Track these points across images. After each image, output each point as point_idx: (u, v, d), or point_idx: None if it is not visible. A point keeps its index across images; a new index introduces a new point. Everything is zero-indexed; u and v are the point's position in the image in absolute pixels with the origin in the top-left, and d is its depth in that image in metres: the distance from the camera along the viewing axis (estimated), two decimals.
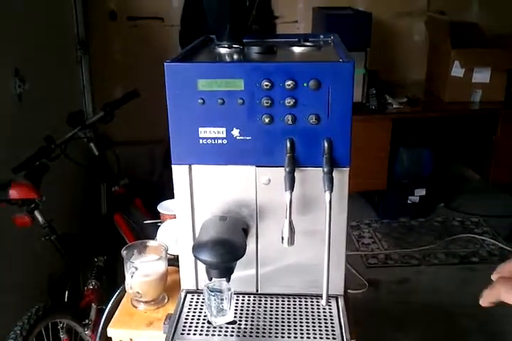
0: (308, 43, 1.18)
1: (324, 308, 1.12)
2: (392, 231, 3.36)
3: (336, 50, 1.14)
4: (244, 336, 1.04)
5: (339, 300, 1.14)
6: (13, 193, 1.56)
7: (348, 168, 1.03)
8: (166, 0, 3.27)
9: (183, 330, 1.06)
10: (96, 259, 2.02)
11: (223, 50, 1.14)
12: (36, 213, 1.70)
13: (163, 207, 1.42)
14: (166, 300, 1.26)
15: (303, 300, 1.15)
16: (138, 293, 1.22)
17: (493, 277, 0.73)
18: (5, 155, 1.96)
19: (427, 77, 3.65)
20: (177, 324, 1.08)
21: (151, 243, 1.27)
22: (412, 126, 3.38)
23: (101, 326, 1.24)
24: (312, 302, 1.14)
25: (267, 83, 0.96)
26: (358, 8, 3.39)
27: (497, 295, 0.69)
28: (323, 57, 1.12)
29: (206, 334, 1.04)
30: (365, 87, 3.11)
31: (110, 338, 1.22)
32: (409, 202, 3.41)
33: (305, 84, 0.96)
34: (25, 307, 1.63)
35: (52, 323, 1.75)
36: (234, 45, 1.13)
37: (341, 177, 1.04)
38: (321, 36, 1.28)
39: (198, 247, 1.01)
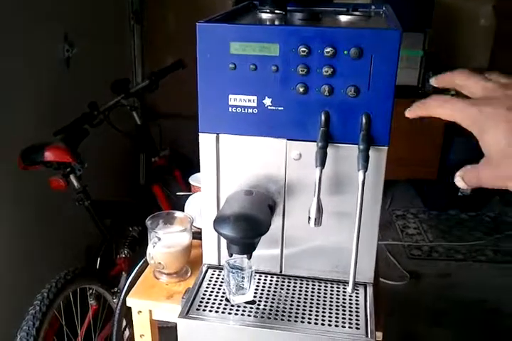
0: (356, 13, 1.10)
1: (351, 296, 1.05)
2: (440, 224, 3.23)
3: (386, 20, 1.05)
4: (262, 317, 0.99)
5: (367, 288, 1.08)
6: (48, 155, 1.56)
7: (386, 147, 0.95)
8: None
9: (199, 306, 1.02)
10: (131, 229, 2.01)
11: (264, 15, 1.07)
12: (72, 177, 1.69)
13: (195, 178, 1.38)
14: (188, 274, 1.22)
15: (329, 285, 1.08)
16: (160, 264, 1.18)
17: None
18: (50, 120, 1.96)
19: (490, 64, 3.45)
20: (194, 299, 1.04)
21: (177, 214, 1.24)
22: None
23: (122, 295, 1.22)
24: (338, 288, 1.08)
25: (303, 49, 0.88)
26: None
27: (428, 108, 0.59)
28: (369, 25, 1.04)
29: (223, 312, 1.00)
30: (422, 70, 2.97)
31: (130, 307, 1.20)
32: (460, 194, 3.26)
33: (345, 52, 0.88)
34: (56, 272, 1.64)
35: (82, 289, 1.76)
36: (276, 11, 1.06)
37: (378, 156, 0.96)
38: (373, 7, 1.19)
39: (219, 221, 0.96)
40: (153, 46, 3.11)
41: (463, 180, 0.57)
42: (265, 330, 0.96)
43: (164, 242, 1.17)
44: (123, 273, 1.89)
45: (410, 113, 0.62)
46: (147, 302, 1.16)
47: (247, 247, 0.98)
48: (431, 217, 3.29)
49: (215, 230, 0.96)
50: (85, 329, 1.77)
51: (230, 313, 1.00)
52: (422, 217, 3.29)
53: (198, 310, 1.01)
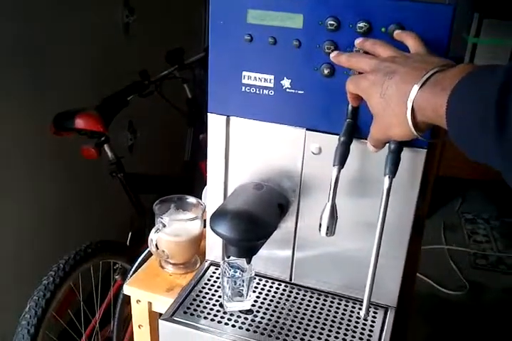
0: None
1: (366, 319, 0.90)
2: None
3: None
4: (255, 332, 0.85)
5: (389, 312, 0.91)
6: (79, 122, 1.48)
7: (425, 150, 0.78)
8: None
9: (188, 308, 0.90)
10: None
11: None
12: (106, 147, 1.61)
13: None
14: (197, 266, 1.11)
15: (343, 302, 0.93)
16: (163, 252, 1.08)
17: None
18: (103, 86, 1.88)
19: None
20: (185, 299, 0.92)
21: (190, 199, 1.12)
22: None
23: (127, 280, 1.13)
24: (353, 308, 0.92)
25: (332, 22, 0.72)
26: None
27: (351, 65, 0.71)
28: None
29: (212, 319, 0.88)
30: None
31: None
32: None
33: (383, 29, 0.71)
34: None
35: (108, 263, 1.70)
36: None
37: (414, 159, 0.79)
38: None
39: (216, 217, 0.83)
40: None
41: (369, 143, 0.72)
42: None
43: (171, 230, 1.06)
44: None
45: (335, 58, 0.72)
46: (144, 293, 1.06)
47: (245, 250, 0.85)
48: (504, 225, 2.99)
49: (210, 227, 0.83)
50: (106, 306, 1.70)
51: (220, 322, 0.87)
52: (493, 224, 3.00)
53: (185, 312, 0.89)
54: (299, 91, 0.79)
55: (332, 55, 0.72)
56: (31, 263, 1.73)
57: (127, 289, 1.07)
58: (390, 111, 0.62)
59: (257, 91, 0.81)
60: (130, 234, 1.82)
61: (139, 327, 1.12)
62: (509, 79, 0.47)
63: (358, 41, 0.71)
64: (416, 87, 0.58)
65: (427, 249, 2.69)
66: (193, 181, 2.06)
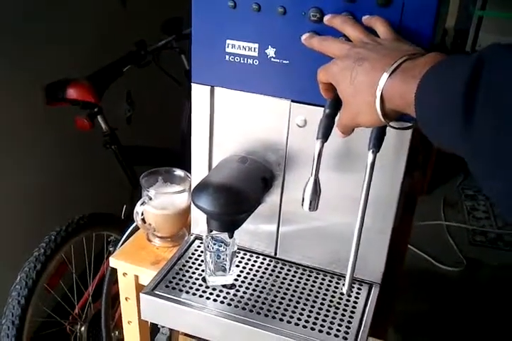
0: None
1: (349, 295, 0.89)
2: None
3: None
4: (236, 306, 0.84)
5: (373, 289, 0.90)
6: (70, 92, 1.45)
7: (411, 124, 0.75)
8: None
9: (170, 282, 0.89)
10: None
11: None
12: (99, 119, 1.59)
13: None
14: (184, 239, 1.10)
15: (327, 278, 0.92)
16: (150, 225, 1.07)
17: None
18: (101, 56, 1.84)
19: None
20: (168, 272, 0.91)
21: (177, 172, 1.10)
22: None
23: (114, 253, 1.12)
24: (338, 284, 0.91)
25: None
26: None
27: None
28: None
29: (194, 294, 0.87)
30: None
31: None
32: None
33: None
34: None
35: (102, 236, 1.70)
36: None
37: (401, 134, 0.76)
38: None
39: (198, 190, 0.81)
40: None
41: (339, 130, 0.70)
42: (235, 324, 0.82)
43: (157, 203, 1.05)
44: None
45: (307, 40, 0.70)
46: (131, 266, 1.06)
47: (227, 224, 0.83)
48: None
49: (192, 201, 0.81)
50: (100, 278, 1.70)
51: (201, 296, 0.86)
52: None
53: (167, 286, 0.88)
54: (284, 61, 0.76)
55: (303, 37, 0.71)
56: (25, 237, 1.73)
57: (113, 262, 1.06)
58: (359, 98, 0.61)
59: (242, 61, 0.78)
60: (125, 206, 1.81)
61: (126, 299, 1.12)
62: (475, 72, 0.46)
63: (326, 18, 0.69)
64: (385, 75, 0.57)
65: (426, 224, 2.69)
66: (189, 153, 2.03)
